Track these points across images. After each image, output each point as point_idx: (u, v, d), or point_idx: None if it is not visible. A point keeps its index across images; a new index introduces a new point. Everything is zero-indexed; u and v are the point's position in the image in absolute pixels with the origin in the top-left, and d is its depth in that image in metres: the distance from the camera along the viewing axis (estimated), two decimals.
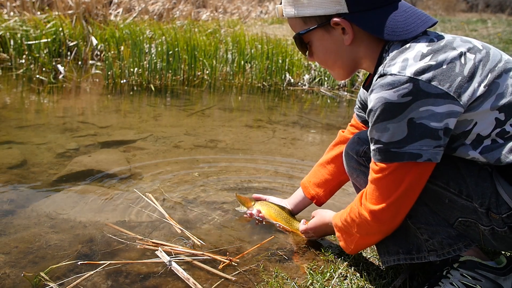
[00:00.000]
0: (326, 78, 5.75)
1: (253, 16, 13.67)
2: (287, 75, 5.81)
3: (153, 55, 5.46)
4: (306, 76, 5.84)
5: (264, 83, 5.70)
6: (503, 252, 1.66)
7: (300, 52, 6.20)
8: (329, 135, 3.66)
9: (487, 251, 1.71)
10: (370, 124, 1.29)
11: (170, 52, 5.48)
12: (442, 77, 1.21)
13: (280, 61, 5.86)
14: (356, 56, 1.42)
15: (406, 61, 1.23)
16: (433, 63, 1.22)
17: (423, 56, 1.23)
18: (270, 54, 5.81)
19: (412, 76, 1.20)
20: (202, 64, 5.82)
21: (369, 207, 1.35)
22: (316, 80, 5.80)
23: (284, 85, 5.71)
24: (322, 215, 1.81)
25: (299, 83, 5.79)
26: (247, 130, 3.59)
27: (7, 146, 2.86)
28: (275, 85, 5.71)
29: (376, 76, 1.28)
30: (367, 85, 1.52)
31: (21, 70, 5.50)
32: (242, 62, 5.90)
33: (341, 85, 5.73)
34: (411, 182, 1.29)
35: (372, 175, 1.34)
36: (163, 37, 5.98)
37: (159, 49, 5.62)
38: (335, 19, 1.35)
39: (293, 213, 2.05)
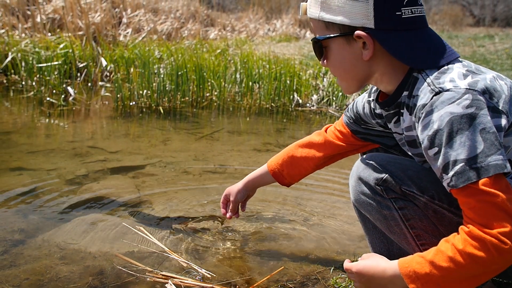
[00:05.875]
0: (334, 98, 5.76)
1: (260, 33, 13.79)
2: (295, 95, 5.82)
3: (162, 76, 5.49)
4: (314, 97, 5.85)
5: (272, 104, 5.71)
6: None
7: (308, 72, 6.26)
8: None
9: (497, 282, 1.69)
10: (439, 149, 1.18)
11: (179, 73, 5.51)
12: (492, 90, 1.21)
13: (288, 81, 5.88)
14: (371, 71, 1.39)
15: (454, 81, 1.22)
16: (478, 79, 1.22)
17: (465, 76, 1.23)
18: (278, 74, 5.83)
19: (468, 87, 1.19)
20: (211, 85, 5.85)
21: (499, 231, 1.10)
22: (324, 100, 5.81)
23: (293, 106, 5.72)
24: (378, 259, 1.36)
25: (307, 104, 5.80)
26: (256, 154, 3.59)
27: (18, 173, 2.88)
28: (283, 106, 5.72)
29: (430, 95, 1.22)
30: (381, 101, 1.48)
31: (32, 93, 5.56)
32: (250, 83, 5.93)
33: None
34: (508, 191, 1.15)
35: (468, 201, 1.17)
36: (172, 58, 6.03)
37: (168, 69, 5.66)
38: (359, 32, 1.30)
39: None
